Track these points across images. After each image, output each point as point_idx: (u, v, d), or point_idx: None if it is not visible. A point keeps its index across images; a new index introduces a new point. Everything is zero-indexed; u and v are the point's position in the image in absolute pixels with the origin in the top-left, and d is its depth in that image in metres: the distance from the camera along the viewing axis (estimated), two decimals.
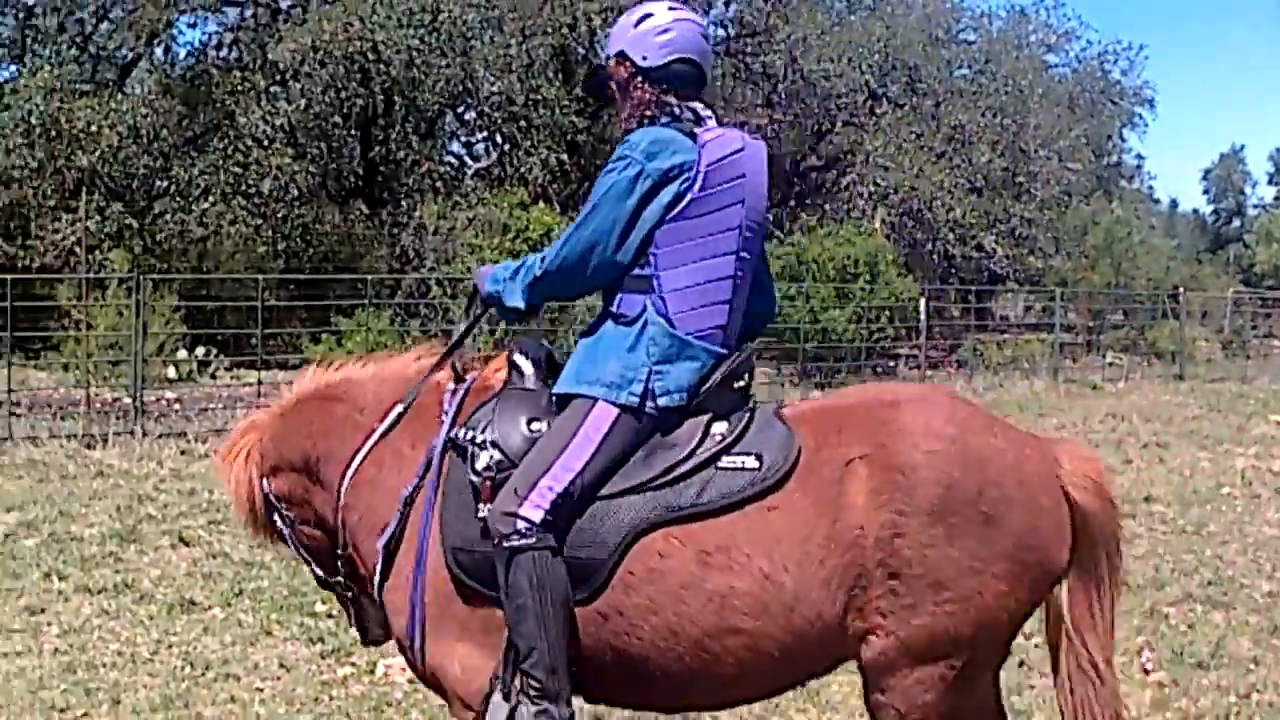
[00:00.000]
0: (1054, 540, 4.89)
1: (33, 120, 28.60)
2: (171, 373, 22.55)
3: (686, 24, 5.33)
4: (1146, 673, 8.71)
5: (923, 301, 29.23)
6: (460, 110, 35.00)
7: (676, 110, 5.25)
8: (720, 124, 5.30)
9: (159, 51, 34.68)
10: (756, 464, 4.91)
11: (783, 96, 34.82)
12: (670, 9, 5.33)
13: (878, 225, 32.92)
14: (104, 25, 33.95)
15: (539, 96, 31.38)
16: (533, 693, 4.86)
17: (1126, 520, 13.28)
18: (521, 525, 4.85)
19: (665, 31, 5.26)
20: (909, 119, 35.39)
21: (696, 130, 5.18)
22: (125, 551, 11.45)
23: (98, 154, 28.72)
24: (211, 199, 29.94)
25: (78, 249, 28.10)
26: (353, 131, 34.37)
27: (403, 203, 32.67)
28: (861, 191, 34.39)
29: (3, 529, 12.20)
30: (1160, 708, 8.14)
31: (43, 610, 9.79)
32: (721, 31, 35.50)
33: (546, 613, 4.81)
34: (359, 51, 29.12)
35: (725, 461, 4.94)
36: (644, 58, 5.27)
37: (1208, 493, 15.04)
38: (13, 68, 33.81)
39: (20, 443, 16.62)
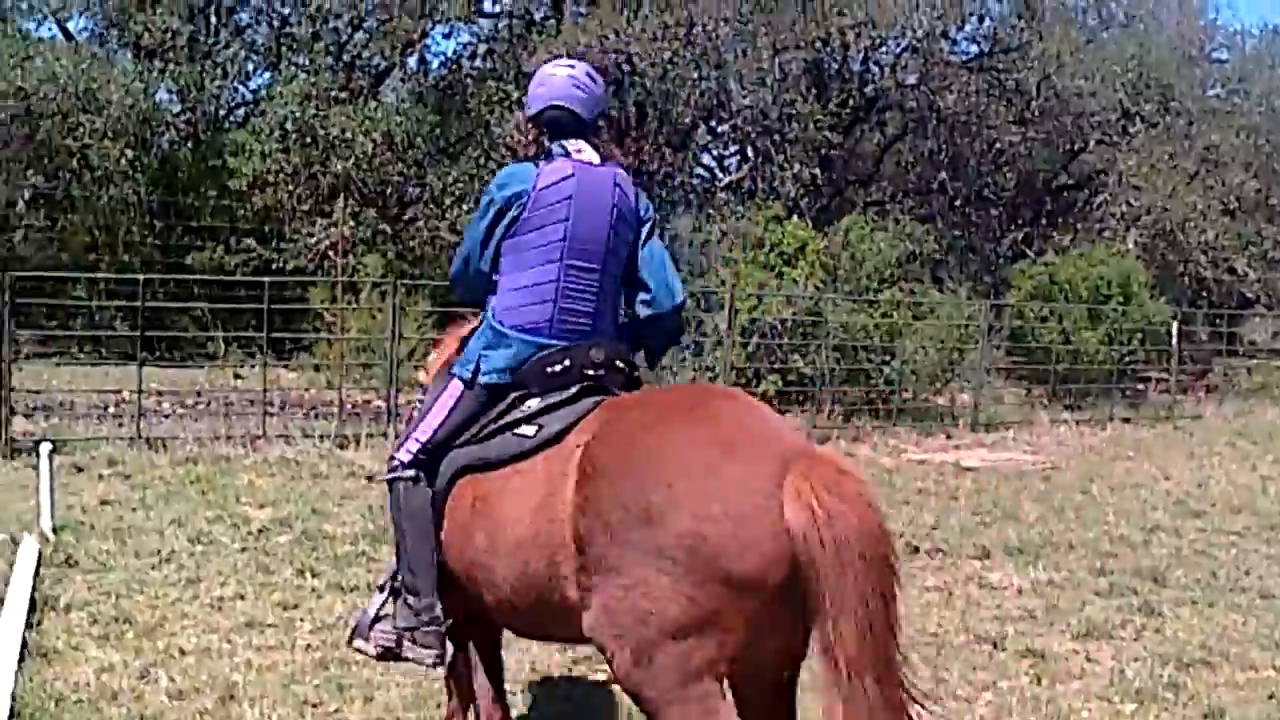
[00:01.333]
0: (730, 548, 4.91)
1: (288, 126, 29.33)
2: (422, 377, 22.75)
3: (561, 78, 6.46)
4: None
5: (1175, 325, 28.63)
6: (713, 123, 35.00)
7: (550, 148, 6.37)
8: (601, 155, 6.42)
9: (412, 61, 35.27)
10: (533, 433, 5.80)
11: (1035, 114, 34.20)
12: (558, 65, 6.60)
13: (1130, 246, 32.34)
14: (358, 35, 34.60)
15: (792, 111, 31.16)
16: (398, 586, 6.28)
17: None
18: (394, 463, 6.25)
19: (541, 85, 6.46)
20: (1162, 138, 34.55)
21: (540, 162, 6.27)
22: (377, 551, 11.57)
23: (352, 160, 29.37)
24: (465, 206, 30.19)
25: (331, 253, 28.66)
26: (606, 143, 34.32)
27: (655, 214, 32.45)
28: (1114, 211, 33.73)
29: (257, 525, 12.51)
30: None
31: (296, 606, 10.00)
32: (975, 48, 35.06)
33: (403, 528, 6.17)
34: (613, 64, 29.17)
35: (519, 429, 5.88)
36: (529, 107, 6.53)
37: None
38: (267, 74, 34.64)
39: (274, 440, 16.95)
